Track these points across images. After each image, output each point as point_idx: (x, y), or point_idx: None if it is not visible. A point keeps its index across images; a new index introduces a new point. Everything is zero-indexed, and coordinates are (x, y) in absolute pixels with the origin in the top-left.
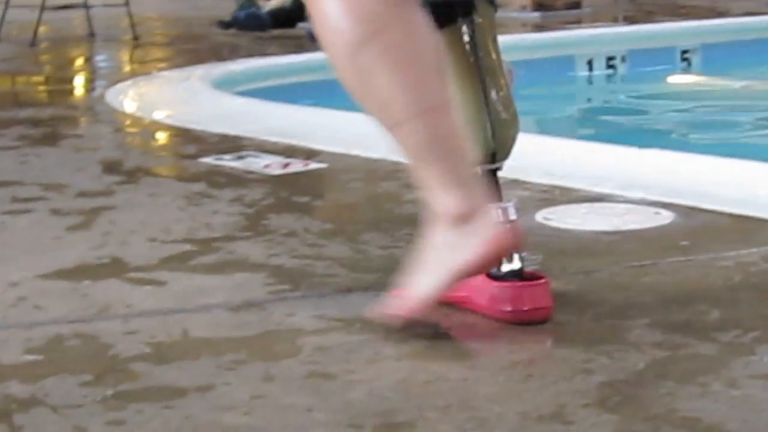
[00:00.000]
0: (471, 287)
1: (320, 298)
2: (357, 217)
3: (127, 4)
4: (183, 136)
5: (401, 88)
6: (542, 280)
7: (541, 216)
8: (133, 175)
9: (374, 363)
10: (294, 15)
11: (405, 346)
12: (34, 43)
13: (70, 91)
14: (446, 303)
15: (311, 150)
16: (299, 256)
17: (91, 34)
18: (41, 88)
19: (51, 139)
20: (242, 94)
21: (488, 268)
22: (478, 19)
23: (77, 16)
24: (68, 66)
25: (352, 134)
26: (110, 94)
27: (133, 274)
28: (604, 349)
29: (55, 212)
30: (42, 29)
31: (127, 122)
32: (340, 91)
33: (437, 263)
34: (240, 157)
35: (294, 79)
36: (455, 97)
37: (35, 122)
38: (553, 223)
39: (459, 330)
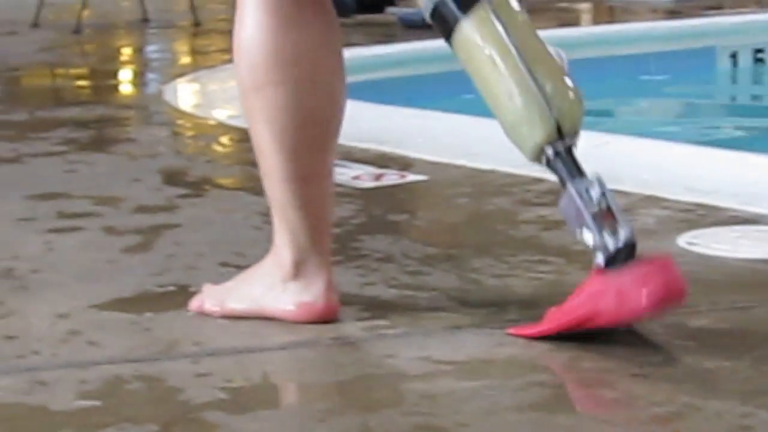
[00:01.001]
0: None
1: (425, 337)
2: (464, 239)
3: None
4: None
5: (271, 147)
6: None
7: (683, 240)
8: (198, 187)
9: (491, 415)
10: None
11: (526, 394)
12: (78, 29)
13: (121, 87)
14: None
15: (408, 159)
16: (398, 286)
17: (144, 20)
18: (87, 83)
19: (101, 143)
20: None
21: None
22: (486, 3)
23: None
24: (118, 57)
25: (456, 140)
26: (168, 91)
27: None
28: (766, 402)
29: (109, 230)
30: (86, 13)
31: (189, 124)
32: (439, 89)
33: (255, 296)
34: None
35: (383, 74)
36: (495, 92)
37: (82, 124)
38: (699, 249)
39: (588, 376)
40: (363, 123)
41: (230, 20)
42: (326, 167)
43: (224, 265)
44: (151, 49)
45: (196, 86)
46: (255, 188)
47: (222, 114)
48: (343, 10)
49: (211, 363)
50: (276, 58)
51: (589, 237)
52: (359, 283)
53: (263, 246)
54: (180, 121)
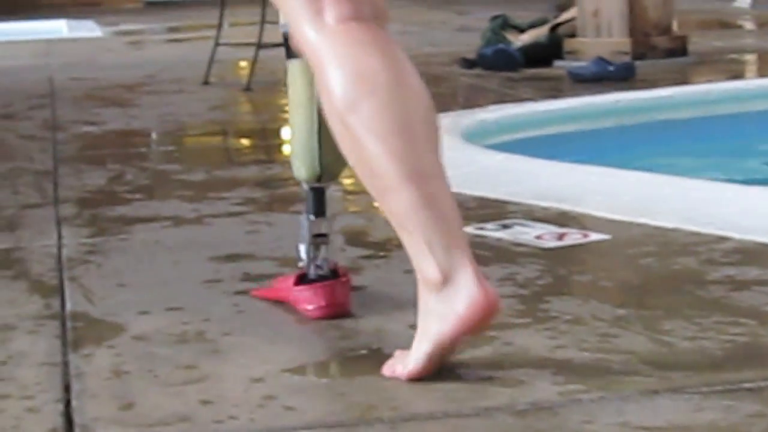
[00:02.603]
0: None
1: (622, 401)
2: (653, 301)
3: None
4: None
5: (383, 156)
6: (342, 279)
7: None
8: (382, 248)
9: None
10: (549, 52)
11: None
12: (248, 87)
13: None
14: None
15: (589, 217)
16: (590, 349)
17: None
18: (260, 141)
19: (281, 203)
20: (495, 146)
21: (469, 335)
22: None
23: None
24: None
25: (637, 198)
26: None
27: None
28: None
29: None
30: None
31: None
32: (611, 143)
33: (424, 334)
34: (505, 227)
35: (555, 129)
36: (294, 122)
37: (260, 183)
38: None
39: None
40: (541, 181)
41: None
42: (439, 165)
43: (413, 327)
44: None
45: None
46: None
47: None
48: (511, 65)
49: (409, 428)
50: (358, 75)
51: (302, 252)
52: (550, 346)
53: None
54: (357, 180)
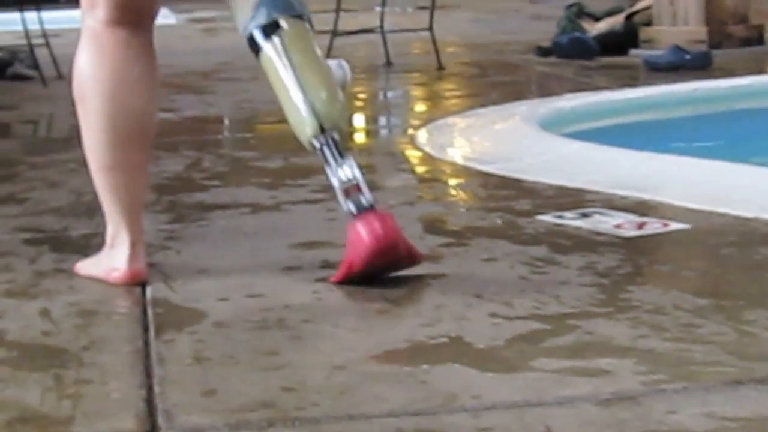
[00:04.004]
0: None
1: (705, 392)
2: (735, 290)
3: (430, 27)
4: (513, 188)
5: (90, 144)
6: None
7: None
8: (461, 236)
9: None
10: (625, 40)
11: None
12: None
13: (373, 132)
14: None
15: (669, 206)
16: (672, 339)
17: (388, 63)
18: None
19: None
20: (571, 135)
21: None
22: (286, 31)
23: (365, 42)
24: (366, 101)
25: (717, 187)
26: (421, 137)
27: (477, 358)
28: None
29: (377, 281)
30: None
31: (445, 170)
32: (689, 132)
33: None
34: (585, 215)
35: (631, 118)
36: (281, 101)
37: None
38: None
39: None
40: (620, 170)
41: (473, 63)
42: (130, 161)
43: (494, 315)
44: (399, 93)
45: (448, 132)
46: (517, 236)
47: (475, 160)
48: (586, 53)
49: (492, 417)
50: (87, 77)
51: (342, 203)
52: (632, 336)
53: (531, 296)
54: (433, 167)
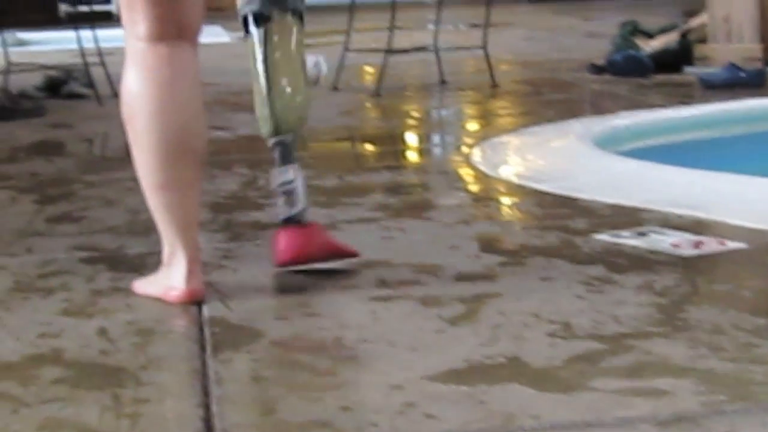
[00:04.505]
0: None
1: (765, 413)
2: None
3: (484, 46)
4: (569, 207)
5: (142, 163)
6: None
7: None
8: (516, 255)
9: None
10: (680, 58)
11: None
12: (378, 92)
13: (427, 151)
14: None
15: (725, 225)
16: (732, 359)
17: (442, 81)
18: (390, 147)
19: (414, 209)
20: (626, 153)
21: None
22: (272, 26)
23: (419, 61)
24: (420, 119)
25: None
26: (476, 155)
27: (535, 378)
28: None
29: (433, 300)
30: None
31: (500, 188)
32: (745, 151)
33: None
34: (641, 234)
35: (686, 136)
36: (254, 89)
37: (393, 189)
38: None
39: None
40: (676, 188)
41: (527, 81)
42: (185, 179)
43: (551, 335)
44: (453, 111)
45: (503, 150)
46: (573, 255)
47: (530, 179)
48: (641, 71)
49: None
50: (134, 95)
51: (277, 205)
52: (691, 356)
53: (589, 315)
54: (488, 186)
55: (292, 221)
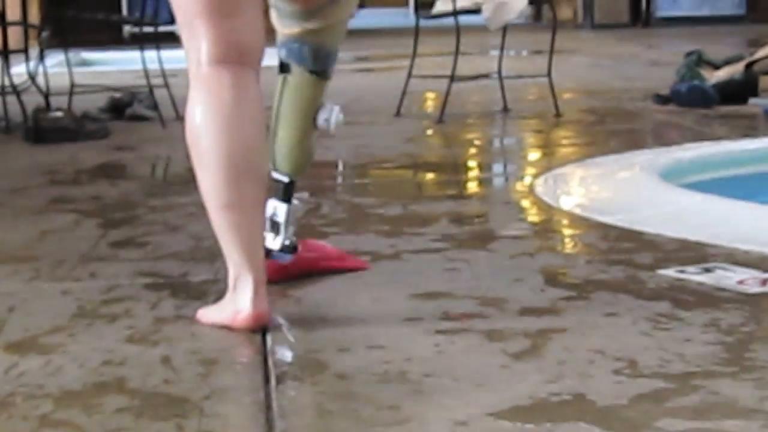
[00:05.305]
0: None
1: None
2: None
3: (549, 73)
4: (634, 240)
5: (207, 185)
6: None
7: None
8: (582, 289)
9: None
10: (745, 89)
11: None
12: (441, 119)
13: (490, 180)
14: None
15: None
16: None
17: (505, 109)
18: (454, 176)
19: (479, 240)
20: (691, 185)
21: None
22: (289, 78)
23: (481, 87)
24: (483, 147)
25: None
26: (539, 185)
27: (600, 416)
28: None
29: (497, 334)
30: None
31: (564, 221)
32: None
33: (217, 309)
34: (707, 270)
35: (751, 169)
36: (281, 127)
37: (456, 219)
38: None
39: None
40: (742, 223)
41: (590, 110)
42: (249, 199)
43: (617, 372)
44: (516, 140)
45: (567, 181)
46: (639, 291)
47: (594, 210)
48: (706, 102)
49: None
50: (197, 123)
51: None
52: (758, 397)
53: (655, 353)
54: (551, 217)
55: (270, 254)
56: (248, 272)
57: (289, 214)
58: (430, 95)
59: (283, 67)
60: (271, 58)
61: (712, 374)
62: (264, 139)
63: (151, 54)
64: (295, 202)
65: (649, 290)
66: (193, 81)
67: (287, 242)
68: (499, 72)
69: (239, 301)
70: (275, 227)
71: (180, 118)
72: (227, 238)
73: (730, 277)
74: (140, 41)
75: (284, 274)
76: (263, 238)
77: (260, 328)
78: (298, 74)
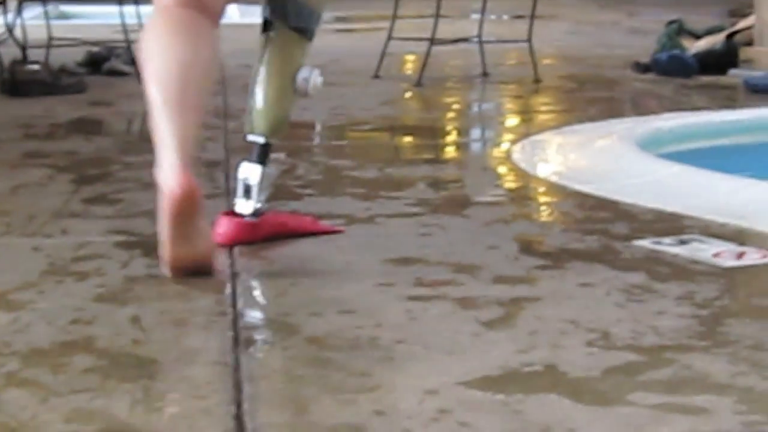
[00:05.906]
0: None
1: None
2: None
3: (529, 39)
4: (609, 210)
5: (150, 86)
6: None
7: None
8: (556, 258)
9: None
10: (725, 59)
11: None
12: (419, 82)
13: (468, 145)
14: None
15: None
16: None
17: (484, 74)
18: (431, 140)
19: (454, 206)
20: (668, 155)
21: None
22: (271, 35)
23: (461, 50)
24: (461, 112)
25: None
26: (517, 152)
27: (572, 388)
28: None
29: (470, 302)
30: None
31: (540, 188)
32: None
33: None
34: (683, 242)
35: (730, 141)
36: (262, 86)
37: (432, 184)
38: None
39: None
40: (719, 196)
41: (570, 77)
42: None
43: (589, 344)
44: (494, 105)
45: (544, 148)
46: (613, 261)
47: (571, 179)
48: (685, 71)
49: None
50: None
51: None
52: (731, 372)
53: (628, 325)
54: (529, 185)
55: (230, 212)
56: (173, 151)
57: (263, 177)
58: (410, 58)
59: (267, 25)
60: (254, 16)
61: (685, 348)
62: (208, 84)
63: (129, 9)
64: (270, 166)
65: (624, 261)
66: (153, 14)
67: (258, 205)
68: (480, 36)
69: (161, 179)
70: (248, 191)
71: None
72: (160, 131)
73: (705, 250)
74: None
75: (253, 233)
76: (199, 137)
77: (190, 204)
78: (280, 32)
